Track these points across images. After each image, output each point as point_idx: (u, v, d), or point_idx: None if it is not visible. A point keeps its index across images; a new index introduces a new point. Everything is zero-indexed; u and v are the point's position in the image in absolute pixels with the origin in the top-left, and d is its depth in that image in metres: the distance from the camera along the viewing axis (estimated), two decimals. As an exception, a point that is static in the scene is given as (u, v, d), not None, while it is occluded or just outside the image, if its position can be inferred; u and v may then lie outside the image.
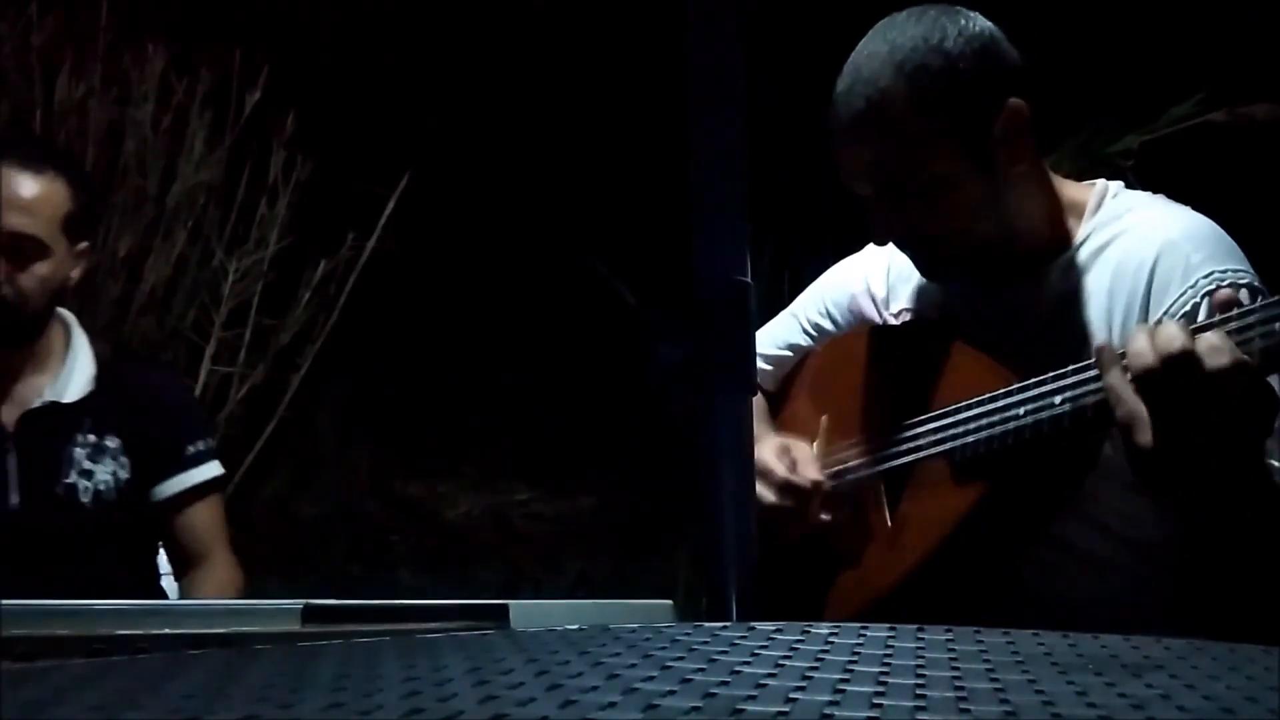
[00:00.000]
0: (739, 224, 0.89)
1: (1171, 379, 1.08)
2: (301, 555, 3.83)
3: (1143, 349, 1.10)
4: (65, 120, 3.15)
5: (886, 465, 1.44)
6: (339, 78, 4.01)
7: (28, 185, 1.75)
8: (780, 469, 1.45)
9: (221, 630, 0.82)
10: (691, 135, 0.89)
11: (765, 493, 1.44)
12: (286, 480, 3.90)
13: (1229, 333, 1.07)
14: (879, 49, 1.35)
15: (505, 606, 0.87)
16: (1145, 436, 1.11)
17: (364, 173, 3.43)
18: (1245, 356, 1.05)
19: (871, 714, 0.44)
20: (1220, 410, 1.07)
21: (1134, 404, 1.11)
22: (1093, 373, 1.17)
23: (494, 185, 4.48)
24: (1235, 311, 1.10)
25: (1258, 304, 1.08)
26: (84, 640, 0.77)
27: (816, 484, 1.44)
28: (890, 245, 1.60)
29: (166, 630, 0.81)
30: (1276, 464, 1.26)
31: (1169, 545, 1.32)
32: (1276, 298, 1.07)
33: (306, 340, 3.41)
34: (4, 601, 0.77)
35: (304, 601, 0.84)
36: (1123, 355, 1.15)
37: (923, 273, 1.47)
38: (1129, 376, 1.11)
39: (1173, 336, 1.08)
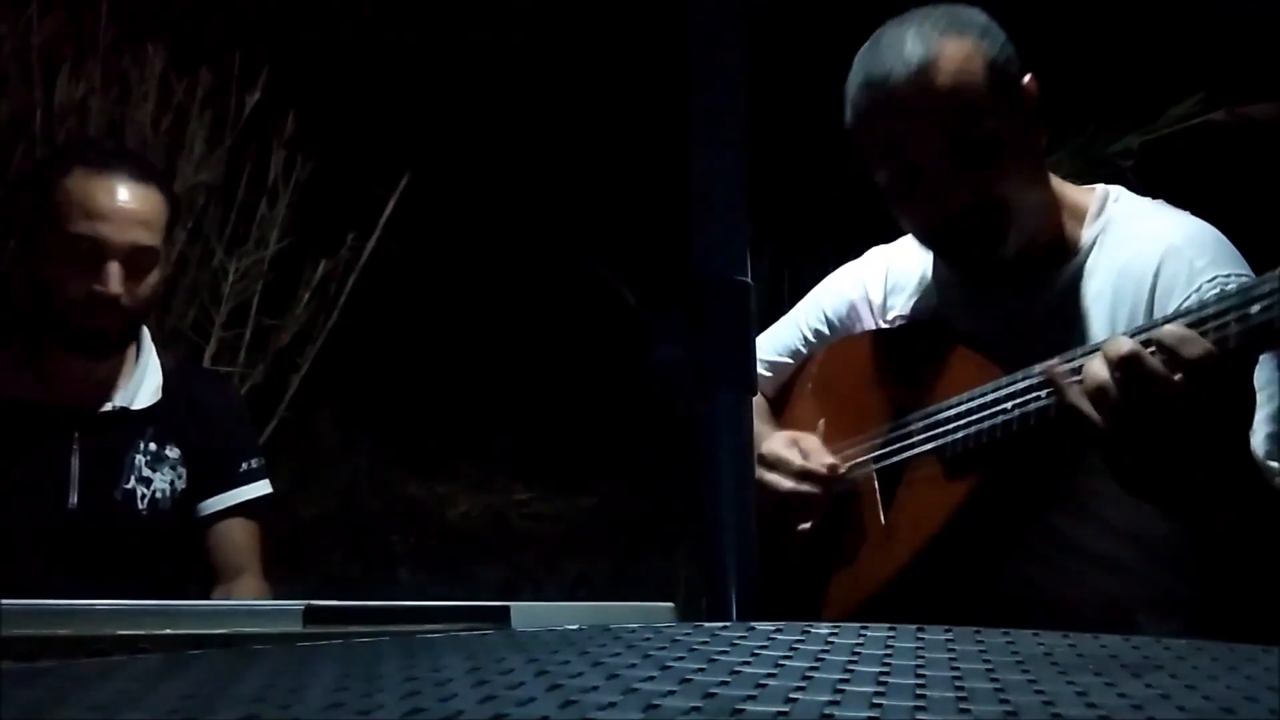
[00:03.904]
0: (739, 224, 0.89)
1: (1126, 386, 1.08)
2: (301, 555, 3.83)
3: (1096, 367, 1.11)
4: (65, 120, 3.14)
5: (880, 464, 1.45)
6: (339, 78, 4.01)
7: (141, 198, 1.78)
8: (796, 457, 1.46)
9: (222, 630, 0.82)
10: (692, 135, 0.89)
11: (782, 481, 1.46)
12: (286, 480, 3.89)
13: (1207, 318, 1.08)
14: (912, 28, 1.35)
15: (506, 608, 0.87)
16: (1118, 447, 1.12)
17: (364, 173, 3.43)
18: (1213, 347, 1.06)
19: (871, 714, 0.44)
20: (1193, 402, 1.08)
21: (1097, 419, 1.12)
22: (1077, 363, 1.18)
23: (494, 185, 4.48)
24: (1212, 295, 1.10)
25: (1233, 289, 1.08)
26: (84, 640, 0.77)
27: (833, 467, 1.46)
28: (887, 255, 1.61)
29: (167, 630, 0.81)
30: (1277, 465, 1.27)
31: (1170, 541, 1.32)
32: (1249, 282, 1.08)
33: (306, 340, 3.40)
34: (4, 601, 0.77)
35: (305, 602, 0.84)
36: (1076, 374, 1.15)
37: (954, 256, 1.45)
38: (1086, 393, 1.12)
39: (1119, 344, 1.10)
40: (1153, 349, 1.08)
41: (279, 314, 3.38)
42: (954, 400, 1.35)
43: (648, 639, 0.61)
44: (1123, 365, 1.09)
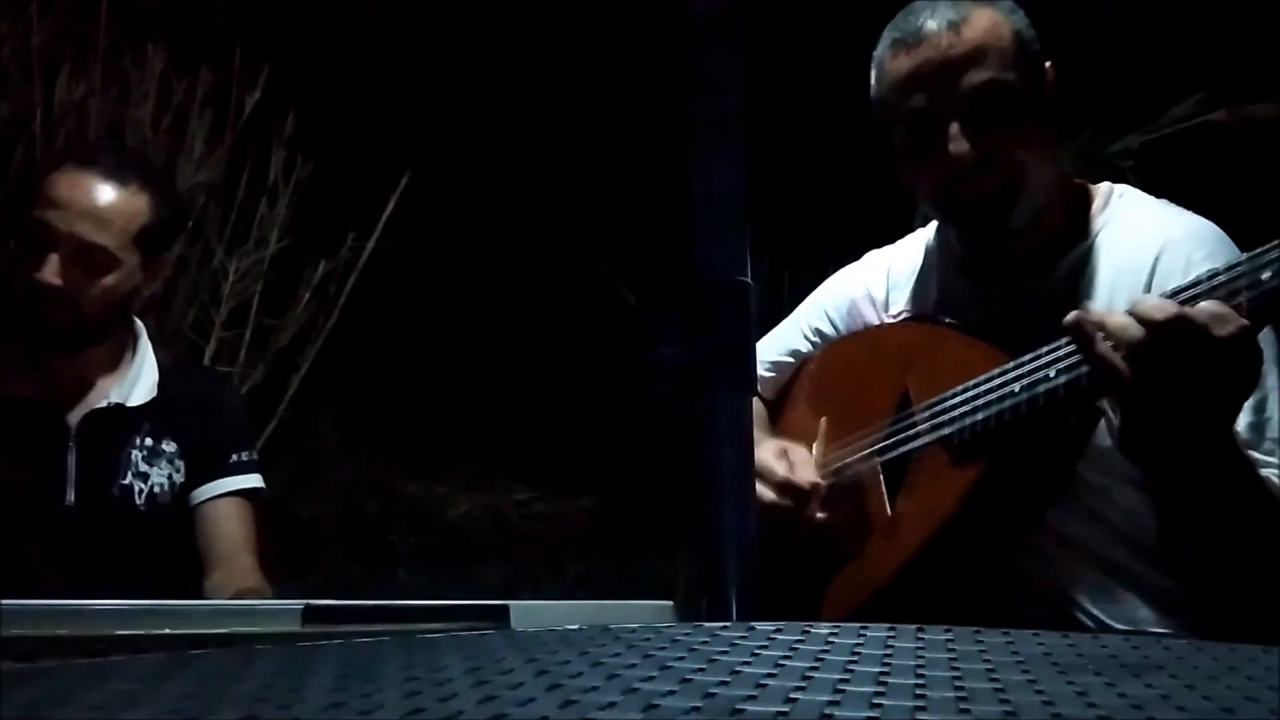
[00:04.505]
0: (739, 224, 0.89)
1: (1161, 345, 1.09)
2: (301, 555, 3.83)
3: (1125, 321, 1.11)
4: (65, 120, 3.14)
5: (885, 456, 1.45)
6: (339, 78, 4.01)
7: (105, 196, 1.76)
8: (780, 469, 1.46)
9: (222, 630, 0.82)
10: (692, 136, 0.89)
11: (765, 492, 1.45)
12: (286, 480, 3.89)
13: (1218, 287, 1.09)
14: None
15: (505, 607, 0.87)
16: (1136, 401, 1.12)
17: (364, 173, 3.43)
18: (1246, 322, 1.07)
19: (871, 714, 0.44)
20: (1220, 375, 1.09)
21: (1124, 368, 1.12)
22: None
23: (494, 185, 4.48)
24: (1223, 266, 1.11)
25: (1243, 259, 1.09)
26: (84, 640, 0.77)
27: (815, 485, 1.45)
28: (887, 254, 1.61)
29: (166, 630, 0.81)
30: (1258, 455, 1.28)
31: (1169, 542, 1.33)
32: (1257, 251, 1.08)
33: (306, 340, 3.40)
34: (4, 601, 0.77)
35: (304, 602, 0.84)
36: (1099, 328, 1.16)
37: (962, 218, 1.45)
38: (1113, 347, 1.12)
39: (1161, 304, 1.10)
40: (1190, 315, 1.09)
41: (279, 314, 3.38)
42: (959, 388, 1.35)
43: (648, 639, 0.61)
44: (1164, 326, 1.08)
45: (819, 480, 1.46)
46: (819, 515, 1.46)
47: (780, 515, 1.45)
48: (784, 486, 1.45)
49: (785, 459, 1.48)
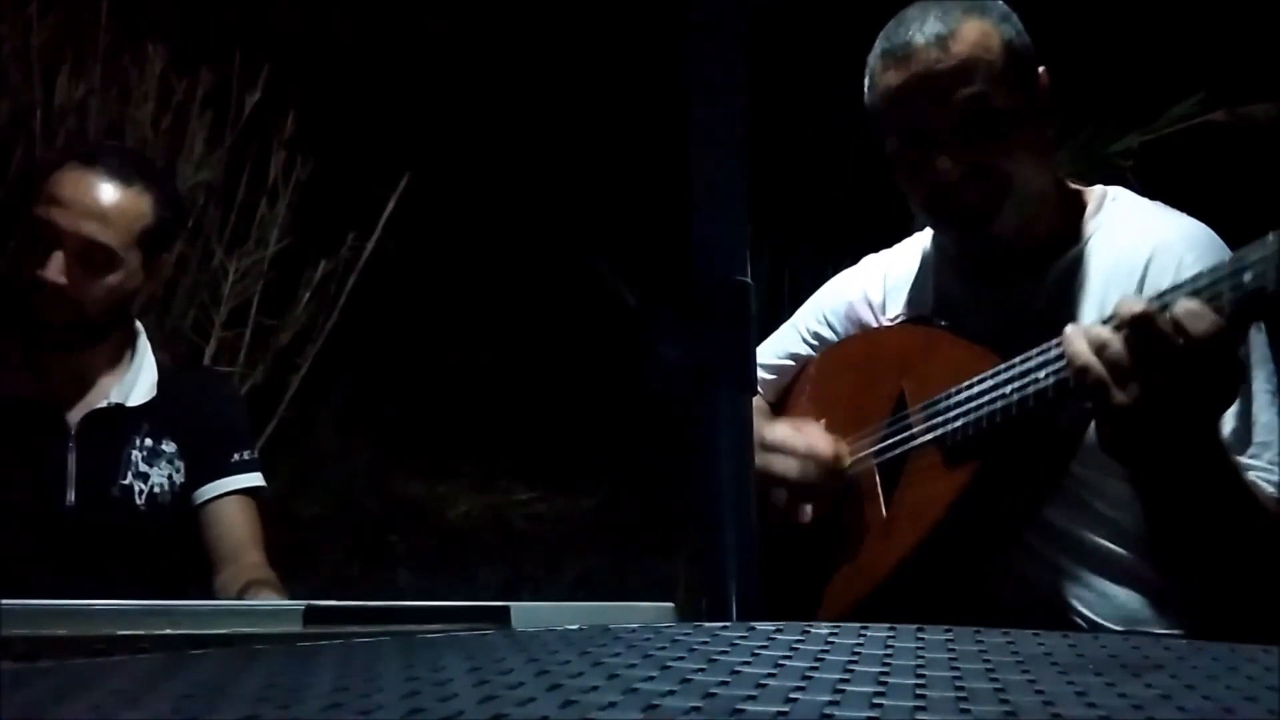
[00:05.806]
0: (739, 224, 0.90)
1: (1138, 343, 1.10)
2: (301, 555, 3.83)
3: (1103, 329, 1.13)
4: (65, 120, 3.14)
5: (881, 458, 1.45)
6: (339, 78, 4.01)
7: (108, 195, 1.76)
8: (800, 441, 1.47)
9: (222, 630, 0.82)
10: (692, 136, 0.89)
11: (789, 464, 1.46)
12: (286, 480, 3.89)
13: (1200, 289, 1.09)
14: (935, 6, 1.39)
15: (506, 608, 0.87)
16: (1116, 402, 1.12)
17: (364, 173, 3.43)
18: (1222, 321, 1.07)
19: (871, 714, 0.44)
20: (1196, 375, 1.09)
21: (1101, 372, 1.12)
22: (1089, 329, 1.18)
23: (494, 185, 4.48)
24: (1205, 269, 1.11)
25: (1225, 261, 1.10)
26: (84, 640, 0.77)
27: (839, 453, 1.46)
28: (885, 258, 1.62)
29: (167, 630, 0.81)
30: (1272, 475, 1.28)
31: (1153, 538, 1.33)
32: (1240, 252, 1.09)
33: (306, 340, 3.40)
34: (4, 601, 0.77)
35: (305, 602, 0.84)
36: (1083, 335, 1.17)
37: (951, 226, 1.45)
38: (1093, 350, 1.13)
39: (1134, 302, 1.11)
40: (1165, 315, 1.09)
41: (279, 314, 3.38)
42: (953, 390, 1.36)
43: (648, 639, 0.61)
44: (1133, 324, 1.10)
45: (844, 450, 1.47)
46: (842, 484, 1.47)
47: (805, 486, 1.46)
48: (809, 455, 1.46)
49: (801, 432, 1.49)
